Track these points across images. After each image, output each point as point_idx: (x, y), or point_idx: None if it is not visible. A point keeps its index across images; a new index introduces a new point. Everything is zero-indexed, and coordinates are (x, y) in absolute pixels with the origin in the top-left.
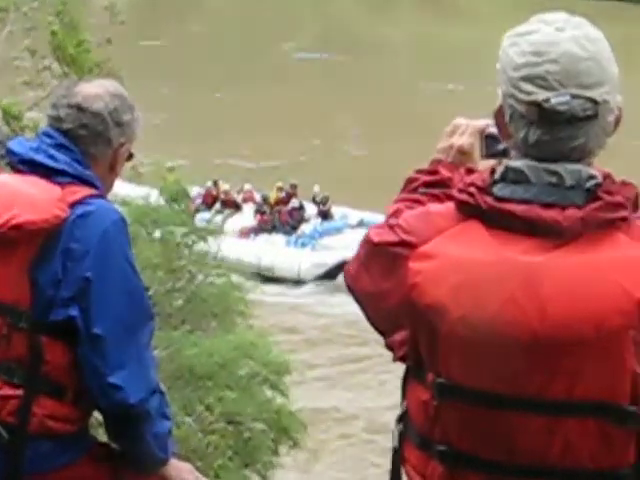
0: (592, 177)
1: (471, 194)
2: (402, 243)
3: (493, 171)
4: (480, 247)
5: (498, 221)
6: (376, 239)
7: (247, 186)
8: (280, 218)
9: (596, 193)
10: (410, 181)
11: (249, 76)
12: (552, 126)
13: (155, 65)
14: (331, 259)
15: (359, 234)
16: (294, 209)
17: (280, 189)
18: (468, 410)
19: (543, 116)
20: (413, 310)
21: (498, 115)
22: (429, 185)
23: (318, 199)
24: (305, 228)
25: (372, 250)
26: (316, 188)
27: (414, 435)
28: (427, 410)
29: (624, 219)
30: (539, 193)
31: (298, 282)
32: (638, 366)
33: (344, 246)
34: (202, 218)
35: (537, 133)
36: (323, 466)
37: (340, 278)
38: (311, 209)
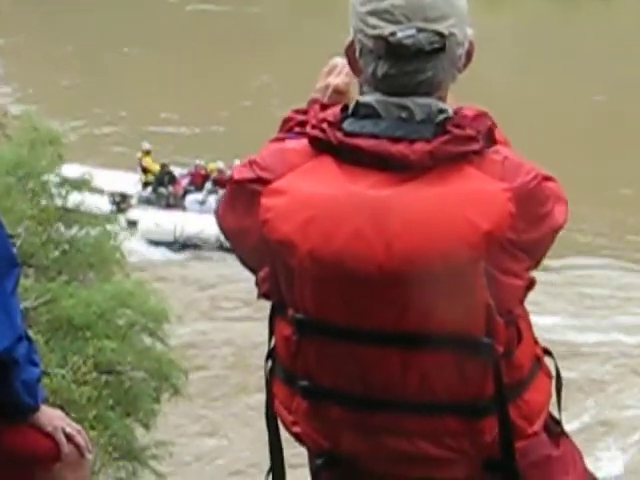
0: (442, 111)
1: (323, 130)
2: (257, 180)
3: (346, 107)
4: (330, 182)
5: (348, 156)
6: (236, 176)
7: (237, 162)
8: None
9: (445, 127)
10: (286, 121)
11: (149, 33)
12: (399, 60)
13: (56, 26)
14: None
15: None
16: None
17: None
18: (326, 345)
19: (390, 50)
20: (268, 246)
21: (349, 50)
22: (303, 124)
23: None
24: None
25: (233, 187)
26: None
27: (280, 371)
28: (289, 346)
29: (475, 152)
30: (388, 127)
31: None
32: (491, 298)
33: None
34: (194, 200)
35: (385, 67)
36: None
37: None
38: None
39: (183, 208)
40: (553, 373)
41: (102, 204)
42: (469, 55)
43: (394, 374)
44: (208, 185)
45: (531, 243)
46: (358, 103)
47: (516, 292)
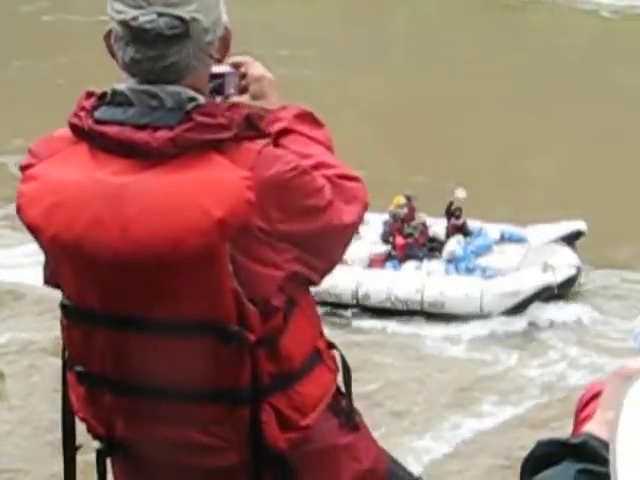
0: (193, 99)
1: (80, 117)
2: (28, 166)
3: (104, 95)
4: (79, 169)
5: (99, 143)
6: (21, 163)
7: None
8: (417, 240)
9: (191, 114)
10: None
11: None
12: (142, 45)
13: None
14: (523, 286)
15: (516, 250)
16: (424, 227)
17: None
18: (88, 331)
19: (133, 35)
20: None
21: (107, 38)
22: None
23: (453, 208)
24: (450, 249)
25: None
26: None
27: (68, 358)
28: (63, 332)
29: (225, 141)
30: (134, 115)
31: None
32: (240, 286)
33: (512, 267)
34: None
35: (131, 52)
36: None
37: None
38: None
39: None
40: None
41: None
42: (225, 42)
43: (151, 361)
44: None
45: (296, 235)
46: (113, 91)
47: (272, 281)
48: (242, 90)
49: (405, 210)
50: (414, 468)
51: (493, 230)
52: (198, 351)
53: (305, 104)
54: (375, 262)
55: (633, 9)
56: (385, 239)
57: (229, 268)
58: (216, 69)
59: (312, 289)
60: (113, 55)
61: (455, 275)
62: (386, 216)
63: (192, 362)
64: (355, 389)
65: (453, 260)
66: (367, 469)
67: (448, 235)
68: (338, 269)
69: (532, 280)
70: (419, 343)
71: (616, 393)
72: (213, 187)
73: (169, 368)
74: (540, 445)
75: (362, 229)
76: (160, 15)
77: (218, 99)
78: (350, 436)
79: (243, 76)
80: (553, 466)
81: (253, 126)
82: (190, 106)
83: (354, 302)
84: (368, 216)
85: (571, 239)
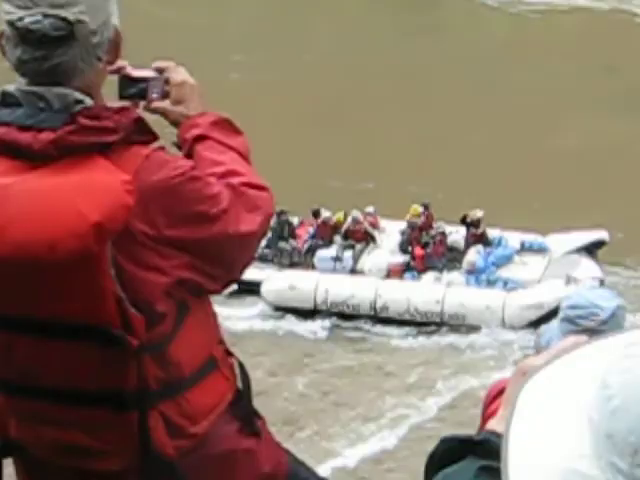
0: (80, 101)
1: None
2: None
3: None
4: None
5: None
6: None
7: (369, 209)
8: (435, 249)
9: (76, 117)
10: None
11: None
12: (29, 46)
13: None
14: (546, 299)
15: (538, 261)
16: (443, 236)
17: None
18: None
19: (20, 36)
20: None
21: (1, 38)
22: None
23: (469, 220)
24: (470, 259)
25: None
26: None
27: None
28: None
29: (112, 144)
30: (20, 116)
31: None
32: (123, 291)
33: (533, 279)
34: (326, 256)
35: (18, 53)
36: None
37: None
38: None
39: (310, 266)
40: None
41: None
42: (116, 44)
43: (38, 362)
44: (338, 239)
45: (185, 241)
46: (3, 92)
47: (157, 287)
48: (165, 95)
49: (422, 219)
50: None
51: (513, 239)
52: (83, 354)
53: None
54: (393, 272)
55: (546, 5)
56: (403, 249)
57: (111, 272)
58: (140, 73)
59: (324, 299)
60: (5, 55)
61: (476, 287)
62: (404, 225)
63: (78, 365)
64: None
65: (473, 271)
66: (267, 473)
67: (468, 245)
68: (355, 279)
69: (555, 293)
70: None
71: (515, 390)
72: (91, 190)
73: (56, 370)
74: (444, 442)
75: (380, 238)
76: (45, 16)
77: (142, 103)
78: (250, 441)
79: (167, 81)
80: (457, 462)
81: (143, 130)
82: (76, 108)
83: (372, 313)
84: (386, 225)
85: (592, 248)
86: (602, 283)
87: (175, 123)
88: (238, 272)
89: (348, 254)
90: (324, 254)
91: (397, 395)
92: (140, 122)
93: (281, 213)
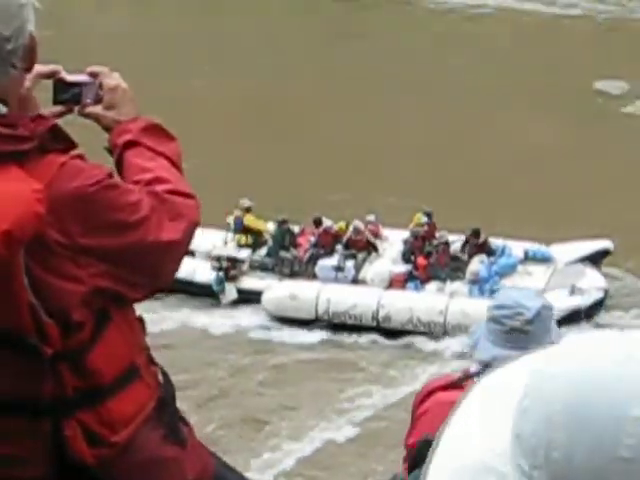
0: None
1: None
2: None
3: None
4: None
5: None
6: None
7: (370, 217)
8: (438, 259)
9: None
10: None
11: None
12: None
13: None
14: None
15: (542, 271)
16: (446, 245)
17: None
18: None
19: None
20: None
21: None
22: None
23: (469, 230)
24: (473, 269)
25: None
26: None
27: None
28: None
29: (27, 152)
30: None
31: None
32: (35, 298)
33: (538, 289)
34: (327, 266)
35: None
36: None
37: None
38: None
39: (311, 276)
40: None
41: (202, 269)
42: (31, 51)
43: None
44: (339, 248)
45: (102, 249)
46: None
47: (73, 296)
48: (99, 100)
49: (425, 228)
50: None
51: (517, 248)
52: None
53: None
54: (396, 282)
55: (477, 8)
56: (406, 258)
57: (24, 280)
58: (74, 78)
59: (325, 309)
60: None
61: (479, 297)
62: (407, 234)
63: None
64: None
65: (477, 281)
66: None
67: (470, 255)
68: (358, 289)
69: (560, 303)
70: None
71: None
72: (1, 199)
73: None
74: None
75: (382, 247)
76: None
77: (76, 108)
78: (174, 449)
79: (101, 86)
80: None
81: (60, 137)
82: None
83: (374, 324)
84: (388, 234)
85: (597, 258)
86: (606, 294)
87: (107, 128)
88: (163, 281)
89: (350, 263)
90: (325, 263)
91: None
92: (56, 130)
93: (282, 222)
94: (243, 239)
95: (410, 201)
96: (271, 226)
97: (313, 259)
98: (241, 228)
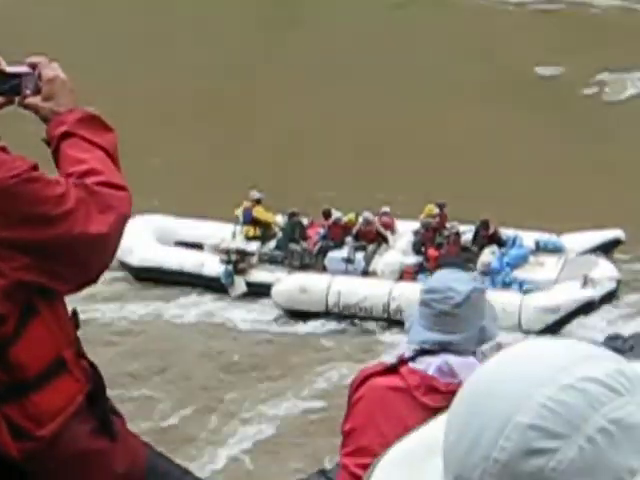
0: None
1: None
2: None
3: None
4: None
5: None
6: None
7: (385, 208)
8: (449, 250)
9: None
10: None
11: None
12: None
13: None
14: (563, 301)
15: (554, 262)
16: (457, 236)
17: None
18: None
19: None
20: None
21: None
22: None
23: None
24: (485, 260)
25: None
26: None
27: None
28: None
29: None
30: None
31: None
32: None
33: (550, 280)
34: (337, 258)
35: None
36: None
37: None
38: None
39: (321, 268)
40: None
41: (210, 262)
42: None
43: None
44: (349, 240)
45: (24, 242)
46: None
47: None
48: (38, 91)
49: (437, 219)
50: None
51: (527, 238)
52: None
53: None
54: (406, 274)
55: None
56: (416, 249)
57: None
58: (14, 69)
59: (336, 302)
60: None
61: (491, 289)
62: (417, 224)
63: None
64: None
65: (488, 272)
66: (122, 473)
67: (481, 246)
68: (369, 282)
69: (573, 295)
70: None
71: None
72: None
73: None
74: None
75: (392, 239)
76: None
77: (16, 100)
78: (103, 441)
79: (40, 76)
80: None
81: None
82: None
83: (385, 316)
84: (398, 225)
85: (608, 248)
86: (619, 284)
87: (45, 119)
88: (94, 273)
89: (360, 255)
90: (335, 255)
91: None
92: None
93: (292, 214)
94: (252, 231)
95: (409, 194)
96: (279, 218)
97: (323, 251)
98: (250, 220)
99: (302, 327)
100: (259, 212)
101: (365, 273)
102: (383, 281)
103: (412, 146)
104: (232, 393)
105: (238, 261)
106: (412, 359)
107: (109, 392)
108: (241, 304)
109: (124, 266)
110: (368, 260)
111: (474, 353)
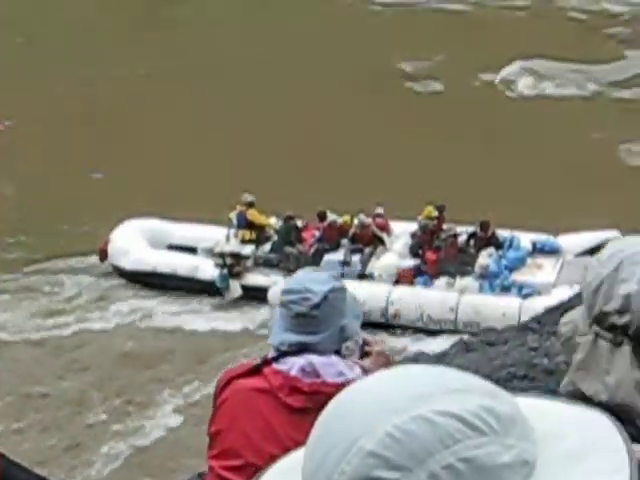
0: None
1: None
2: None
3: None
4: None
5: None
6: None
7: (379, 209)
8: (447, 252)
9: None
10: None
11: None
12: None
13: None
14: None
15: (552, 264)
16: (455, 238)
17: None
18: None
19: None
20: None
21: None
22: None
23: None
24: (483, 263)
25: None
26: None
27: None
28: None
29: None
30: None
31: None
32: None
33: (548, 283)
34: (333, 261)
35: None
36: None
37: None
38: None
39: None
40: None
41: (204, 266)
42: None
43: None
44: (345, 242)
45: None
46: None
47: None
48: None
49: (434, 222)
50: None
51: (524, 240)
52: None
53: None
54: (404, 277)
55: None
56: (414, 252)
57: None
58: None
59: None
60: None
61: (490, 293)
62: (414, 226)
63: None
64: None
65: (486, 275)
66: None
67: (478, 248)
68: (367, 286)
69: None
70: None
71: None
72: None
73: None
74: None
75: (389, 241)
76: None
77: None
78: None
79: None
80: None
81: None
82: None
83: (383, 321)
84: (395, 227)
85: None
86: None
87: None
88: None
89: (356, 258)
90: (332, 258)
91: None
92: None
93: (289, 218)
94: (247, 235)
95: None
96: (274, 221)
97: (319, 254)
98: (244, 223)
99: None
100: (253, 215)
101: (361, 276)
102: (381, 285)
103: (412, 146)
104: None
105: (233, 265)
106: (276, 360)
107: None
108: (235, 308)
109: (117, 270)
110: (364, 263)
111: (337, 352)
